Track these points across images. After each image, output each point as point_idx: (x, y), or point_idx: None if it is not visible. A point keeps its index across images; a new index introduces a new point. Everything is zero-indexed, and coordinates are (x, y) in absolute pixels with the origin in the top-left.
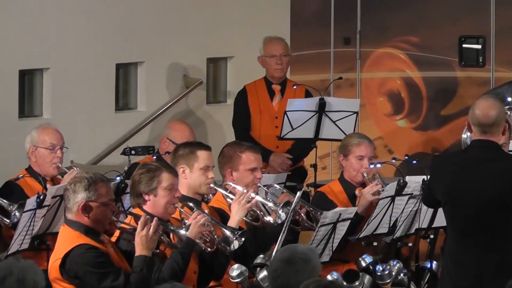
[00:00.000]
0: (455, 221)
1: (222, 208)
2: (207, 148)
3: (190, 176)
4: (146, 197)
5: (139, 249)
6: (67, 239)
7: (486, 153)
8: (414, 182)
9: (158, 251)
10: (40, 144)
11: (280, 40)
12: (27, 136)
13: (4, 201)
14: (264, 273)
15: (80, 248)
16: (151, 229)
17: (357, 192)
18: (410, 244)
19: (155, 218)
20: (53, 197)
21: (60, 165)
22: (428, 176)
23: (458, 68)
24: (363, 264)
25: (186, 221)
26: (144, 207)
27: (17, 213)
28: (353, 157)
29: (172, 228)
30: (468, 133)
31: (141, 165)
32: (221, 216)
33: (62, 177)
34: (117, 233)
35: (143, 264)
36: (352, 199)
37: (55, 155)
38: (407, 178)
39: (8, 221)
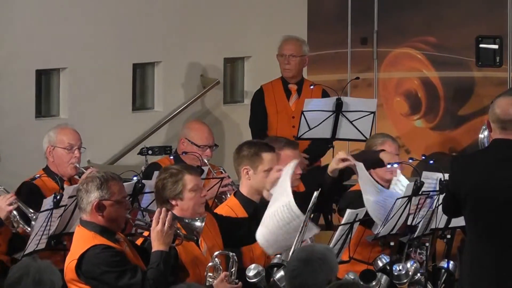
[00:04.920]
0: (476, 220)
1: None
2: (272, 149)
3: (254, 178)
4: (173, 202)
5: (156, 245)
6: (82, 240)
7: (509, 152)
8: (432, 178)
9: (174, 245)
10: (57, 144)
11: (294, 40)
12: (45, 136)
13: (28, 208)
14: (281, 273)
15: (95, 249)
16: (166, 224)
17: None
18: (427, 244)
19: (170, 212)
20: (70, 197)
21: (77, 165)
22: (447, 178)
23: (475, 68)
24: (380, 264)
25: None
26: (174, 212)
27: None
28: None
29: (187, 221)
30: (485, 133)
31: (162, 170)
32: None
33: (80, 177)
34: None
35: (160, 259)
36: None
37: (73, 155)
38: (424, 173)
39: (29, 229)
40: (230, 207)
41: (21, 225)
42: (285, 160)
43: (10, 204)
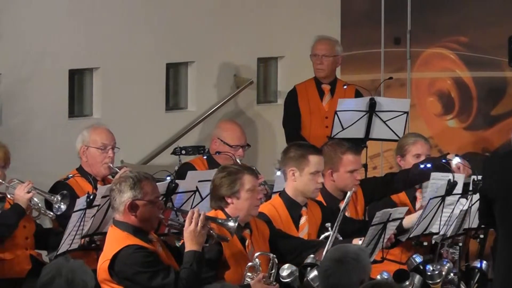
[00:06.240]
0: (504, 220)
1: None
2: (319, 152)
3: (300, 180)
4: (229, 200)
5: (189, 245)
6: (115, 240)
7: None
8: (443, 179)
9: (207, 245)
10: (91, 144)
11: (326, 40)
12: (78, 135)
13: (45, 192)
14: (314, 272)
15: (128, 249)
16: (199, 224)
17: (417, 193)
18: (460, 244)
19: (203, 212)
20: (103, 196)
21: (111, 165)
22: (480, 178)
23: (507, 68)
24: (414, 263)
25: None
26: (226, 210)
27: (61, 206)
28: (410, 156)
29: (220, 221)
30: None
31: (220, 168)
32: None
33: (113, 177)
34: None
35: (193, 259)
36: (413, 201)
37: (107, 155)
38: (433, 175)
39: (52, 213)
40: (273, 206)
41: (42, 211)
42: (347, 165)
43: (29, 192)
